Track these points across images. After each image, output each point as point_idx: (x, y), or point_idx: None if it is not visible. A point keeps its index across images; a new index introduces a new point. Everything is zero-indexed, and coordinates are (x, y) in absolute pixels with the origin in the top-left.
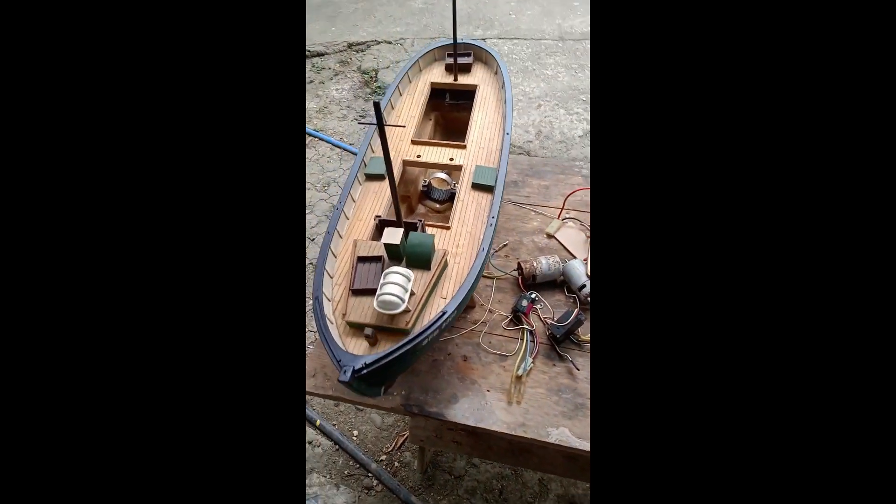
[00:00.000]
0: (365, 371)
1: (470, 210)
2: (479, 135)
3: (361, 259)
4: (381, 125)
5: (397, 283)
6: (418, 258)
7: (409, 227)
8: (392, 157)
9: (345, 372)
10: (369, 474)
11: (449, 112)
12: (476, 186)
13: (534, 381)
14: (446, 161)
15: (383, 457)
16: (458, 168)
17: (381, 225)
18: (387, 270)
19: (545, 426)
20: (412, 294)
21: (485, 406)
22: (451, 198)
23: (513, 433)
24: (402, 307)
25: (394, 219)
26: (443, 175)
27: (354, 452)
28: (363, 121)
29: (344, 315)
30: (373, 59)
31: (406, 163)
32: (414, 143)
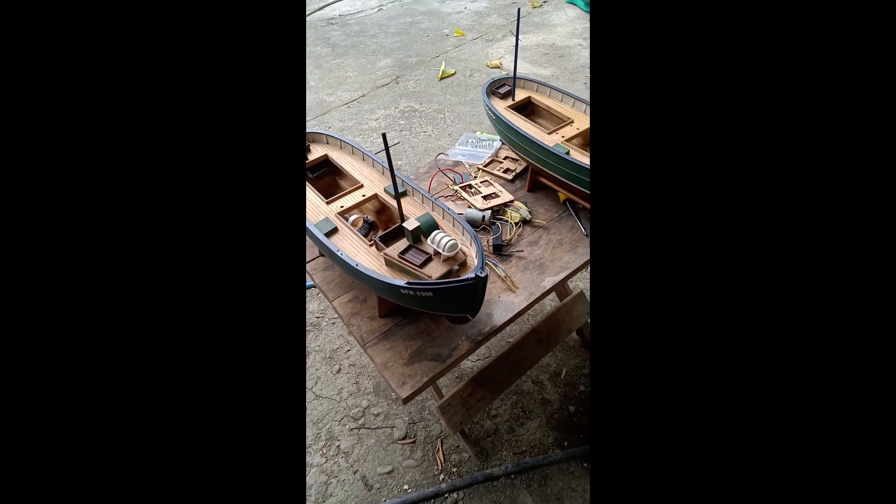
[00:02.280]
0: (483, 274)
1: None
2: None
3: (402, 254)
4: (387, 149)
5: (447, 234)
6: (429, 227)
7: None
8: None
9: (476, 274)
10: (447, 495)
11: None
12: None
13: (513, 272)
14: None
15: (441, 476)
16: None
17: (395, 231)
18: (431, 236)
19: (538, 283)
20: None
21: (505, 302)
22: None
23: (530, 302)
24: (460, 246)
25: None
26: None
27: (423, 495)
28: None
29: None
30: None
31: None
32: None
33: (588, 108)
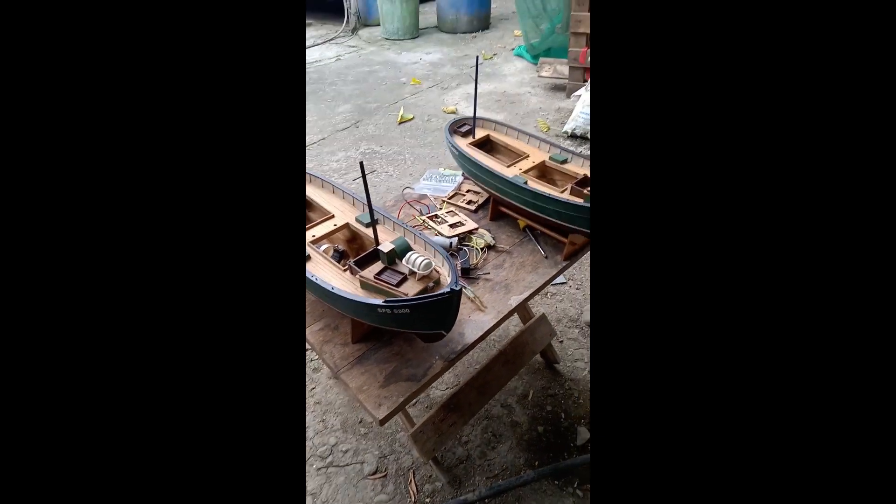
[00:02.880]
0: (457, 287)
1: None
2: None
3: (378, 275)
4: (364, 177)
5: (421, 255)
6: (403, 249)
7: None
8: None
9: (451, 288)
10: None
11: None
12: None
13: (481, 293)
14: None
15: None
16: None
17: (370, 255)
18: (405, 257)
19: (505, 302)
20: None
21: (475, 321)
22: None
23: (498, 320)
24: (434, 265)
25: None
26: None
27: None
28: None
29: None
30: None
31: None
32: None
33: (541, 143)
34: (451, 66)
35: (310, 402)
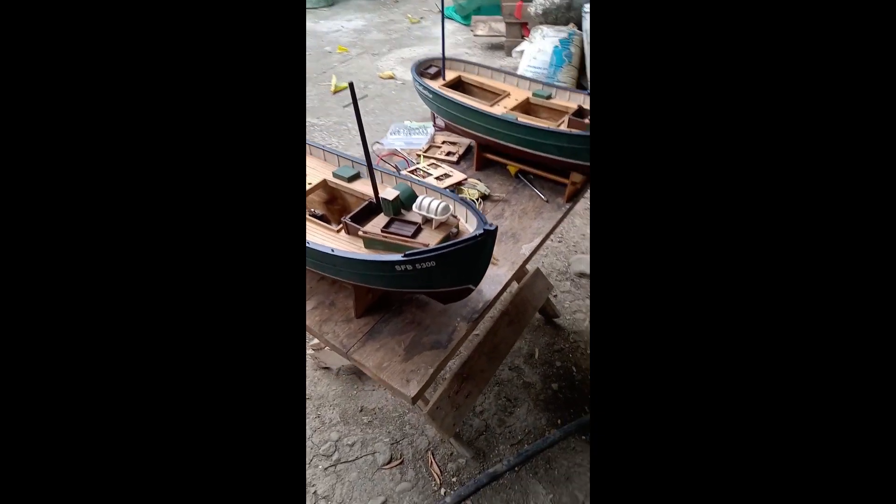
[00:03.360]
0: (492, 227)
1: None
2: None
3: (386, 228)
4: (356, 103)
5: (436, 198)
6: (409, 196)
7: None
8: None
9: (485, 228)
10: None
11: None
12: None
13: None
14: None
15: (442, 489)
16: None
17: (365, 210)
18: (417, 202)
19: (517, 252)
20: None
21: (489, 276)
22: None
23: (514, 271)
24: (452, 207)
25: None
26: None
27: None
28: None
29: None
30: None
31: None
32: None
33: (520, 81)
34: (377, 31)
35: None
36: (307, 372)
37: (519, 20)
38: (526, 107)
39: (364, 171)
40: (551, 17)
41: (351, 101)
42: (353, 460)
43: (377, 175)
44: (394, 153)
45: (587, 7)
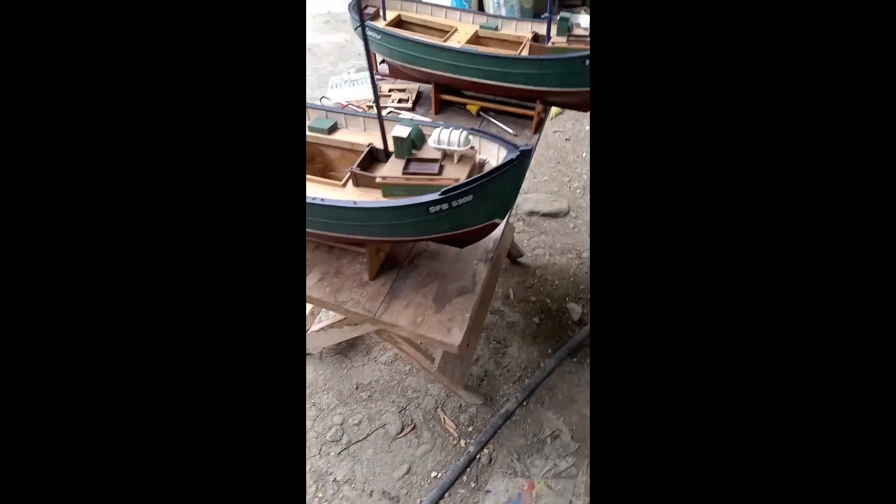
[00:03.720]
0: (528, 146)
1: None
2: None
3: (406, 169)
4: (363, 24)
5: (454, 128)
6: (419, 134)
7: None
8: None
9: (521, 149)
10: (478, 455)
11: None
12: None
13: None
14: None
15: (462, 441)
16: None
17: (368, 158)
18: (434, 136)
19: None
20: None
21: None
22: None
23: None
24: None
25: (380, 147)
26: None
27: (456, 470)
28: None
29: None
30: None
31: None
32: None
33: (462, 15)
34: None
35: None
36: None
37: None
38: (475, 40)
39: (341, 119)
40: None
41: None
42: (365, 438)
43: (358, 124)
44: (345, 107)
45: None
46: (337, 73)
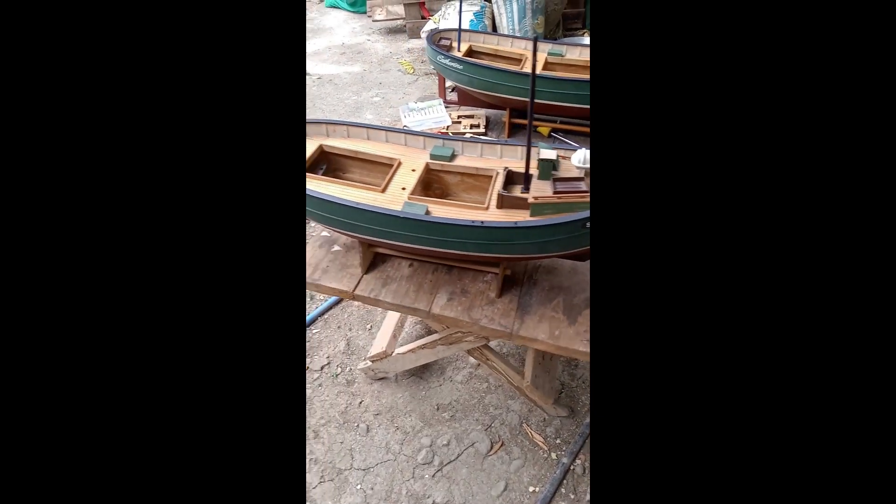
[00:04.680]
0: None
1: None
2: None
3: (557, 189)
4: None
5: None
6: (556, 160)
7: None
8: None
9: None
10: (573, 466)
11: None
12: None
13: None
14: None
15: (553, 454)
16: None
17: (507, 181)
18: (576, 157)
19: None
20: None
21: None
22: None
23: None
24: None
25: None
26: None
27: (554, 482)
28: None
29: None
30: None
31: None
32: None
33: (527, 43)
34: None
35: (367, 417)
36: (364, 388)
37: (417, 0)
38: (546, 66)
39: (459, 146)
40: None
41: None
42: (456, 458)
43: (475, 150)
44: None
45: None
46: (366, 102)
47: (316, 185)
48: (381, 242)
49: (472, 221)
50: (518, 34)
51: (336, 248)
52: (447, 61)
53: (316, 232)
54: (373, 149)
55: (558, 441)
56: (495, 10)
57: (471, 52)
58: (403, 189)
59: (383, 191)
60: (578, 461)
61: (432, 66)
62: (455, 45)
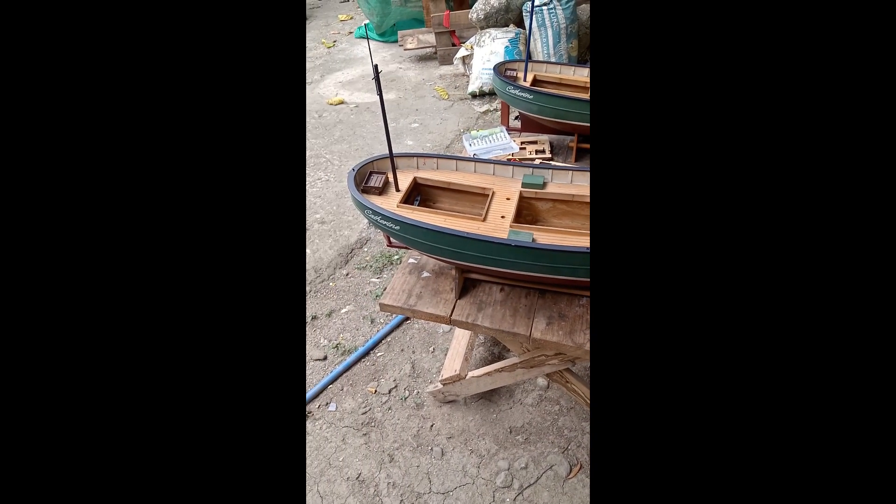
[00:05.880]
0: None
1: None
2: None
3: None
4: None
5: None
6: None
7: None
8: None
9: None
10: None
11: None
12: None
13: None
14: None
15: None
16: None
17: None
18: None
19: None
20: None
21: None
22: None
23: None
24: None
25: None
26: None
27: None
28: None
29: None
30: None
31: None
32: None
33: (588, 71)
34: None
35: (440, 439)
36: (434, 411)
37: (448, 28)
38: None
39: (548, 174)
40: (492, 21)
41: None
42: (536, 481)
43: (565, 177)
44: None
45: (527, 6)
46: (405, 128)
47: (416, 215)
48: (480, 268)
49: (587, 249)
50: (554, 58)
51: (425, 273)
52: (516, 91)
53: (403, 258)
54: (464, 179)
55: None
56: (531, 37)
57: (536, 81)
58: (503, 217)
59: (484, 220)
60: None
61: (469, 93)
62: (521, 75)
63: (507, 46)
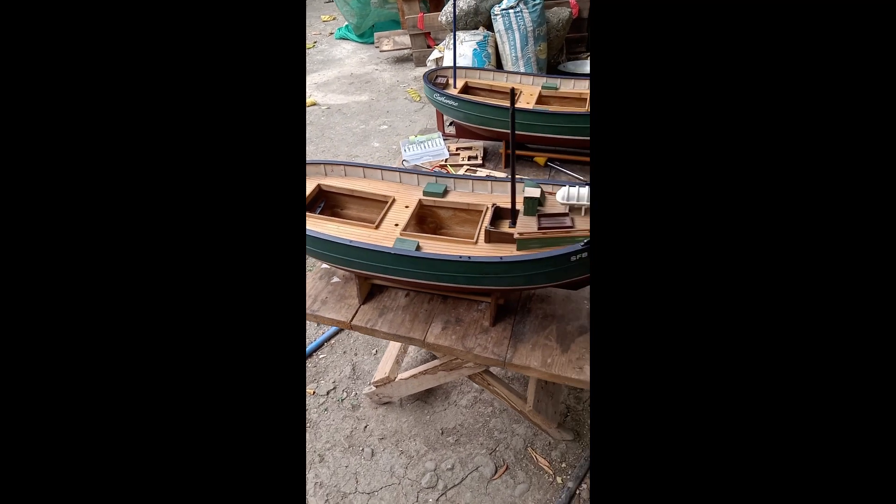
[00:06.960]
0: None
1: None
2: None
3: (542, 225)
4: (513, 106)
5: (579, 186)
6: (542, 196)
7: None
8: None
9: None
10: (577, 490)
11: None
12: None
13: None
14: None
15: (559, 478)
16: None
17: (495, 217)
18: (561, 194)
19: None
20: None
21: None
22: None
23: None
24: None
25: (503, 206)
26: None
27: None
28: None
29: None
30: None
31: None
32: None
33: (522, 77)
34: None
35: (372, 441)
36: (369, 412)
37: (422, 30)
38: (540, 99)
39: (451, 183)
40: (461, 23)
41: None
42: (461, 482)
43: (466, 186)
44: (442, 167)
45: (495, 9)
46: (373, 130)
47: (313, 223)
48: (377, 276)
49: (460, 256)
50: (521, 61)
51: (335, 279)
52: (443, 99)
53: (316, 265)
54: (369, 187)
55: (563, 465)
56: (498, 40)
57: (467, 89)
58: (396, 225)
59: (377, 227)
60: (584, 485)
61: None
62: (451, 81)
63: (475, 49)
